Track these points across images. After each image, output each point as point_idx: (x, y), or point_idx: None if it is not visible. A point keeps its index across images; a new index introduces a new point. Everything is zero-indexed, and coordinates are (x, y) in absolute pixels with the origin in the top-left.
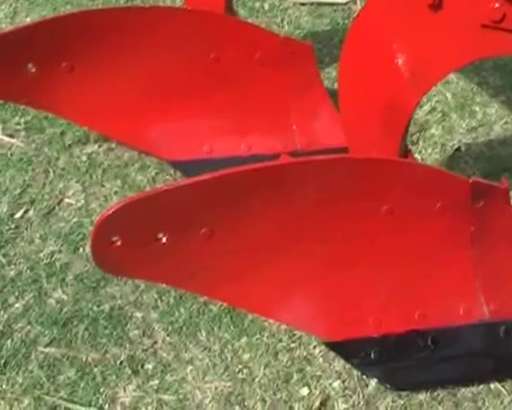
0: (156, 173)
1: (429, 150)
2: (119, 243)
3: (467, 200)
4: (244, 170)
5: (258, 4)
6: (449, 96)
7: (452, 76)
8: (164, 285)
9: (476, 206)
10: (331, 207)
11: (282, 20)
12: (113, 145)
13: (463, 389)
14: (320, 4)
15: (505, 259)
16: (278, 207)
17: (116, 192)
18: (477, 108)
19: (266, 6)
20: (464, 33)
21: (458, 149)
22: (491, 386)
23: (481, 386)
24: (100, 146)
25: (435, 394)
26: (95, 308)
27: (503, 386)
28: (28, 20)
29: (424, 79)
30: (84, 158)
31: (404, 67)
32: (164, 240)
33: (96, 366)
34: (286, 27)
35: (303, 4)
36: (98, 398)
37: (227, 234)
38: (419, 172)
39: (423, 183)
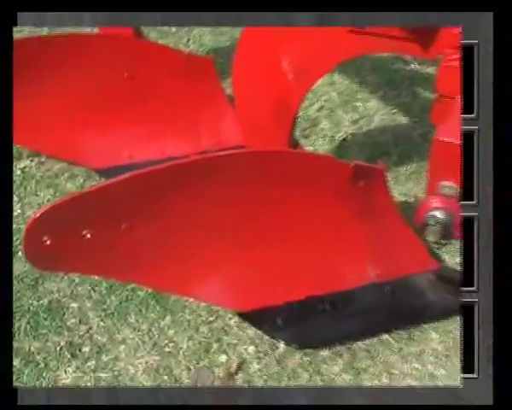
0: (84, 180)
1: (320, 142)
2: (48, 243)
3: (350, 180)
4: (153, 170)
5: (166, 27)
6: (334, 94)
7: (337, 77)
8: (96, 277)
9: (358, 185)
10: (230, 196)
11: (188, 40)
12: (43, 159)
13: (359, 344)
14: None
15: (386, 230)
16: (186, 200)
17: (49, 200)
18: (359, 104)
19: (173, 28)
20: (333, 39)
21: (345, 139)
22: (382, 338)
23: (374, 339)
24: (32, 160)
25: (336, 349)
26: (35, 303)
27: (391, 337)
28: None
29: (304, 79)
30: (19, 172)
31: (288, 69)
32: (88, 236)
33: (38, 353)
34: (191, 46)
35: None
36: (42, 382)
37: (145, 227)
38: (307, 160)
39: (312, 169)
